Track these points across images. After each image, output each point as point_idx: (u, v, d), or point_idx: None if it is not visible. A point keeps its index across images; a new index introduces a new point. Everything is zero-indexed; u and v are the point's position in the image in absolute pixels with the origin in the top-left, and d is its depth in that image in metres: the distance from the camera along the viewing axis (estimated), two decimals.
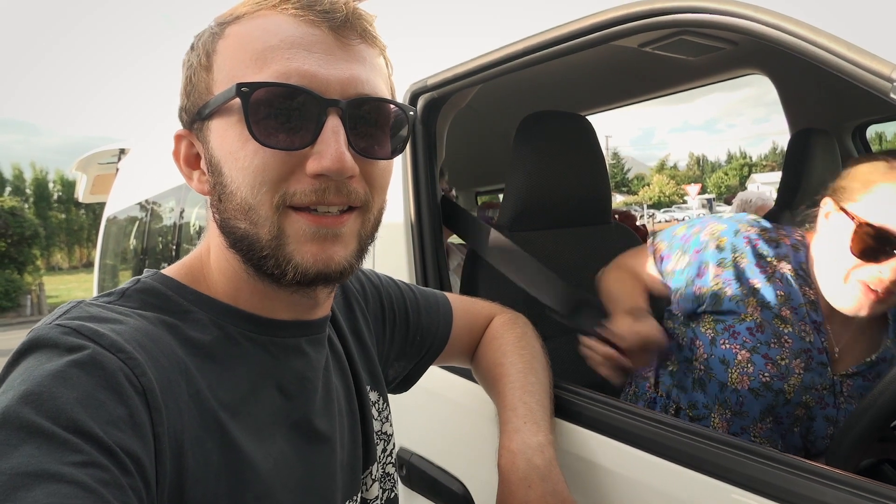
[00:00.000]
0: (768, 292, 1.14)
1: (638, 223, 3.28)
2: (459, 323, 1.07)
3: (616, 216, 1.98)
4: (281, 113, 0.62)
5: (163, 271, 0.71)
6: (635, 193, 60.42)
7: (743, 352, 1.14)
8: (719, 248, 1.16)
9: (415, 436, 1.30)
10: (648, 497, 0.88)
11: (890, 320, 1.21)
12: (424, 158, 1.32)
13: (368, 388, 0.88)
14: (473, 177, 3.79)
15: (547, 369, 1.03)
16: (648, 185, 61.51)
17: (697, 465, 0.83)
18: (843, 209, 1.09)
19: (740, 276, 1.15)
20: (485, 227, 1.39)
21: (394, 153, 0.71)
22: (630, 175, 69.64)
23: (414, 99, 1.33)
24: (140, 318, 0.62)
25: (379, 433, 0.90)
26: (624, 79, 2.27)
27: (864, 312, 1.08)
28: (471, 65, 1.21)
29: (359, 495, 0.82)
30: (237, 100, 0.61)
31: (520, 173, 1.47)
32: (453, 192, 2.99)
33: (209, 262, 0.71)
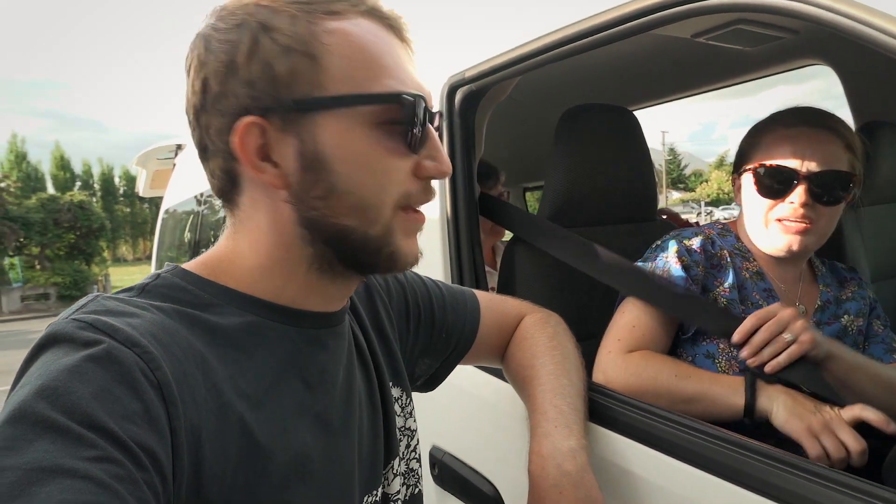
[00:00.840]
0: (727, 280, 1.22)
1: (688, 220, 3.15)
2: (487, 321, 1.04)
3: (664, 216, 1.91)
4: (416, 122, 0.66)
5: (182, 266, 0.70)
6: (692, 190, 58.80)
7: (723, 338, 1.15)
8: (685, 267, 1.22)
9: (447, 434, 1.28)
10: None
11: (816, 268, 1.33)
12: (462, 152, 1.30)
13: (391, 383, 0.87)
14: (520, 172, 3.73)
15: (580, 370, 0.98)
16: (707, 181, 59.75)
17: (742, 479, 0.78)
18: (743, 171, 1.25)
19: (707, 281, 1.23)
20: (528, 214, 1.37)
21: None
22: (687, 171, 67.74)
23: (452, 92, 1.31)
24: (157, 311, 0.62)
25: (402, 429, 0.89)
26: (676, 71, 2.19)
27: (796, 247, 1.18)
28: (509, 55, 1.18)
29: (379, 490, 0.81)
30: (396, 106, 0.65)
31: (559, 169, 1.43)
32: (505, 194, 2.87)
33: (243, 259, 0.69)
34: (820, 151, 1.15)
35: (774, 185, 1.18)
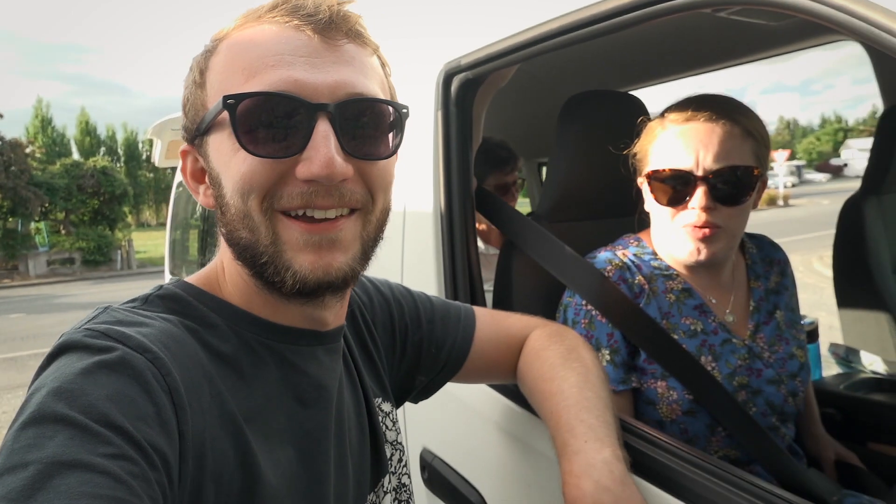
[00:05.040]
0: (651, 313, 1.13)
1: None
2: (485, 336, 0.98)
3: None
4: (269, 122, 0.63)
5: (184, 279, 0.73)
6: None
7: (660, 382, 1.08)
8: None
9: (438, 439, 1.25)
10: None
11: (748, 254, 1.25)
12: (458, 143, 1.24)
13: (381, 399, 0.87)
14: (536, 146, 3.63)
15: (605, 383, 0.90)
16: None
17: None
18: (642, 177, 1.17)
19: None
20: (520, 217, 1.30)
21: (392, 152, 0.70)
22: None
23: (448, 80, 1.24)
24: (164, 321, 0.64)
25: (394, 443, 0.89)
26: (693, 47, 2.08)
27: (708, 252, 1.09)
28: (509, 42, 1.11)
29: None
30: (226, 112, 0.63)
31: (562, 159, 1.36)
32: (520, 181, 2.74)
33: (224, 274, 0.73)
34: (715, 146, 1.06)
35: (672, 190, 1.09)
